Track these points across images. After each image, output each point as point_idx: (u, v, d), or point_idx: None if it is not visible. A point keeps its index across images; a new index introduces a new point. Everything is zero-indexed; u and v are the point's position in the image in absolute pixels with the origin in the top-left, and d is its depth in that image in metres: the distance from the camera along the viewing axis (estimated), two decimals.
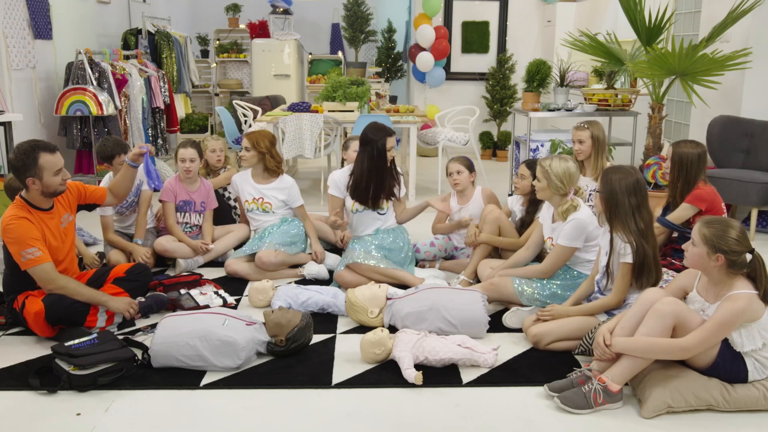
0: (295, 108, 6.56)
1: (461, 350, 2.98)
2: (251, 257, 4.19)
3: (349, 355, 3.10)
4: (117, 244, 4.26)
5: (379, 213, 4.14)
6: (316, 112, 6.31)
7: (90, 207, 3.60)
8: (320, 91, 6.77)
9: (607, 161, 4.44)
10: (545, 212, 3.70)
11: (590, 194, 4.25)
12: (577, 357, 3.06)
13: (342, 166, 4.92)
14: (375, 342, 2.97)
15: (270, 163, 4.39)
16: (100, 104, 6.01)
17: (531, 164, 4.12)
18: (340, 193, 4.16)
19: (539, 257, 3.79)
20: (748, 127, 5.49)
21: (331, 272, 4.20)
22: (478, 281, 3.91)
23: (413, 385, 2.81)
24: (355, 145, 4.44)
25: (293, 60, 9.82)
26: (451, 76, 9.24)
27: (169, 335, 2.93)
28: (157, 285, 3.86)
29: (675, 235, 4.07)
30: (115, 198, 3.67)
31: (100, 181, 4.34)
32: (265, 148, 4.36)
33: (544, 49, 8.97)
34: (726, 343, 2.63)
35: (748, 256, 2.56)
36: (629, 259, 3.01)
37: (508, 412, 2.64)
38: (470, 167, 4.33)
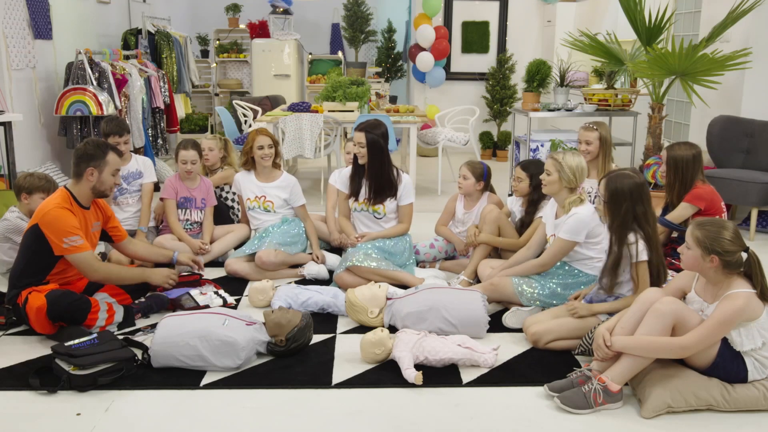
0: (295, 108, 6.56)
1: (461, 350, 2.98)
2: (251, 257, 4.19)
3: (349, 355, 3.10)
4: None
5: (375, 216, 4.13)
6: (316, 112, 6.31)
7: (105, 237, 3.68)
8: (320, 91, 6.77)
9: (612, 164, 4.42)
10: (548, 210, 3.69)
11: (595, 196, 4.23)
12: (577, 357, 3.06)
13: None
14: (375, 342, 2.97)
15: (278, 157, 4.49)
16: (100, 104, 6.01)
17: (526, 166, 4.11)
18: (333, 181, 4.33)
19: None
20: (748, 127, 5.49)
21: (331, 272, 4.20)
22: (479, 281, 3.91)
23: (413, 385, 2.81)
24: (349, 146, 4.45)
25: (293, 60, 9.82)
26: (451, 76, 9.24)
27: (169, 335, 2.93)
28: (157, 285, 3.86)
29: (675, 235, 4.07)
30: (124, 252, 3.80)
31: None
32: (277, 144, 4.49)
33: (544, 49, 8.97)
34: (726, 343, 2.63)
35: (743, 255, 2.56)
36: (644, 257, 3.02)
37: (508, 412, 2.64)
38: (479, 175, 4.26)
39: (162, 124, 7.39)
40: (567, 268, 3.53)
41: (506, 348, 3.17)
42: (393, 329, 3.31)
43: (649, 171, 5.28)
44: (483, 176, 4.28)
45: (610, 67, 6.06)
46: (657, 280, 3.04)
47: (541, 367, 2.99)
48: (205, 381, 2.85)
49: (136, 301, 3.56)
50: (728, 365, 2.63)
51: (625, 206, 3.02)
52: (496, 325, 3.39)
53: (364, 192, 4.13)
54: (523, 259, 3.73)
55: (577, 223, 3.38)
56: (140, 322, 3.46)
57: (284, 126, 6.17)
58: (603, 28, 7.04)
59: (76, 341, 2.87)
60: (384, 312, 3.41)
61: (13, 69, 5.70)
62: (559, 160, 3.49)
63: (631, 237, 3.02)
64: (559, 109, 6.17)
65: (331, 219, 4.54)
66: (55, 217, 3.22)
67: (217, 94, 10.62)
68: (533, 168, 4.07)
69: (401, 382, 2.84)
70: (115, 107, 6.29)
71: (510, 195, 4.84)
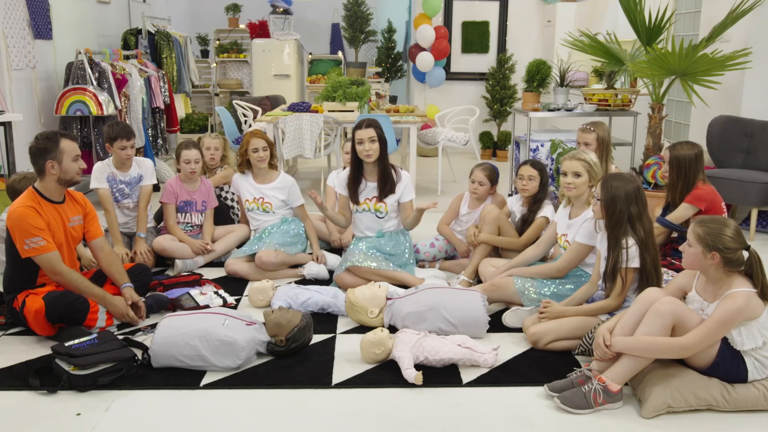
0: (295, 108, 6.56)
1: (461, 350, 2.98)
2: (251, 257, 4.19)
3: (349, 355, 3.10)
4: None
5: (377, 215, 4.12)
6: (316, 112, 6.31)
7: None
8: (320, 91, 6.77)
9: (611, 164, 4.41)
10: (561, 210, 3.68)
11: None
12: (577, 357, 3.06)
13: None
14: (375, 342, 2.97)
15: (274, 158, 4.48)
16: (100, 104, 6.01)
17: (536, 164, 4.10)
18: (331, 183, 4.33)
19: (541, 258, 3.78)
20: (748, 127, 5.49)
21: (331, 272, 4.20)
22: (479, 281, 3.91)
23: (413, 385, 2.81)
24: (348, 146, 4.45)
25: (293, 60, 9.82)
26: (451, 76, 9.24)
27: (169, 335, 2.93)
28: (157, 285, 3.87)
29: (675, 235, 4.07)
30: (91, 251, 3.54)
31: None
32: (272, 145, 4.48)
33: (544, 49, 8.97)
34: (726, 343, 2.63)
35: (745, 254, 2.56)
36: (635, 263, 3.01)
37: (508, 412, 2.64)
38: (494, 180, 4.28)
39: (162, 124, 7.39)
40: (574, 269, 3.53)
41: (506, 348, 3.16)
42: (393, 329, 3.31)
43: (649, 171, 5.28)
44: (497, 179, 4.30)
45: (610, 67, 6.06)
46: (648, 284, 3.01)
47: (541, 367, 2.99)
48: (205, 381, 2.85)
49: (140, 299, 3.54)
50: (728, 365, 2.63)
51: (619, 207, 3.01)
52: (496, 325, 3.39)
53: (371, 190, 4.10)
54: (530, 257, 3.72)
55: (594, 228, 3.35)
56: (140, 322, 3.46)
57: (284, 126, 6.17)
58: (603, 28, 7.04)
59: (76, 341, 2.87)
60: (384, 312, 3.41)
61: (13, 69, 5.70)
62: (585, 159, 3.48)
63: (624, 241, 3.01)
64: (559, 109, 6.17)
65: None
66: (18, 217, 3.15)
67: (217, 94, 10.62)
68: (541, 166, 4.10)
69: (401, 382, 2.84)
70: (115, 107, 6.29)
71: (510, 195, 4.84)
